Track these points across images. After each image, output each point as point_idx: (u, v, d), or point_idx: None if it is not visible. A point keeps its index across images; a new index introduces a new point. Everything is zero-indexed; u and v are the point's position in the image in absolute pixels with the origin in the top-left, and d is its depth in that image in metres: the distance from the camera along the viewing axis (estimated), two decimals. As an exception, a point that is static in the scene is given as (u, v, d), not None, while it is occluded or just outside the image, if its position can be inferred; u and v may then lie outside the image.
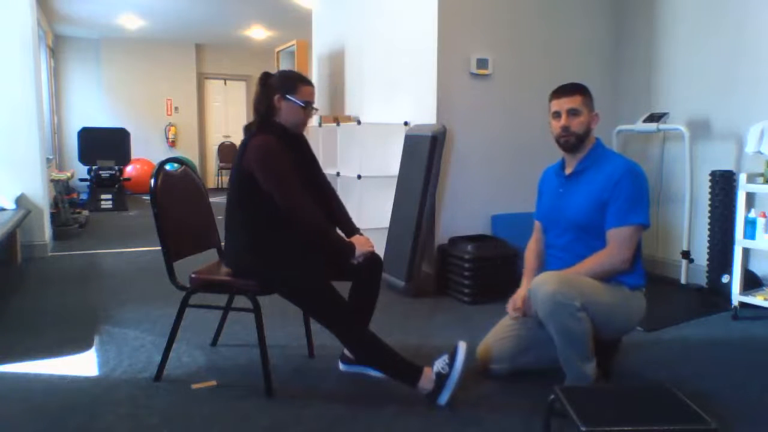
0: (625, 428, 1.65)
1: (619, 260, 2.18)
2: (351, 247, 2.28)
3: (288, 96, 2.28)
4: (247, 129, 2.34)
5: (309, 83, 2.35)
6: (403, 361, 2.20)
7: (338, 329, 2.23)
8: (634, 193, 2.19)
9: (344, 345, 2.36)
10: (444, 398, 2.13)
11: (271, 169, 2.20)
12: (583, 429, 1.60)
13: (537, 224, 2.57)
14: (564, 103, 2.27)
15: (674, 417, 1.73)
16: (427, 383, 2.16)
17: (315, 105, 2.39)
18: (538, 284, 2.09)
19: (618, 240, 2.18)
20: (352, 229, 2.46)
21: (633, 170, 2.22)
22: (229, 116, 11.31)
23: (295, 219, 2.23)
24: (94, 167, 8.07)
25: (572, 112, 2.26)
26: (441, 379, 2.14)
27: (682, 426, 1.70)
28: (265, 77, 2.35)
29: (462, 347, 2.16)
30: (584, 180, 2.30)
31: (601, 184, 2.23)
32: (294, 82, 2.31)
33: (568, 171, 2.36)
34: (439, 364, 2.17)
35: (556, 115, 2.29)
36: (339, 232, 2.42)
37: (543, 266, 2.44)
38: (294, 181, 2.22)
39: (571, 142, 2.28)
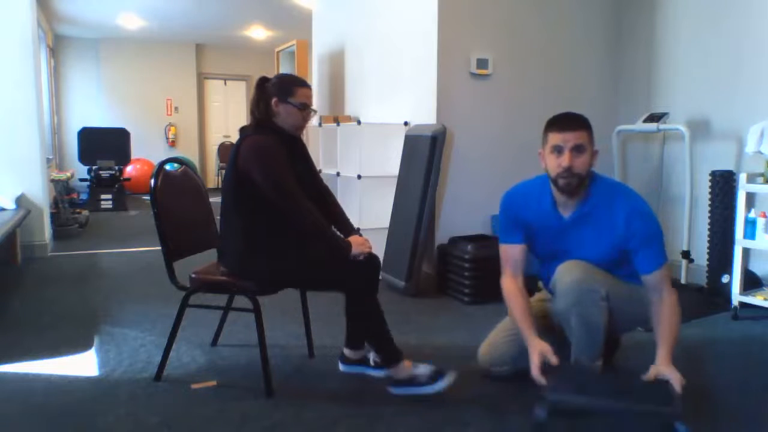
0: (584, 400, 1.77)
1: (677, 300, 2.08)
2: (348, 246, 2.28)
3: (285, 99, 2.29)
4: (243, 130, 2.34)
5: (306, 85, 2.35)
6: (392, 340, 2.25)
7: (350, 287, 2.25)
8: (656, 233, 2.08)
9: (352, 304, 2.30)
10: (399, 391, 2.21)
11: (267, 169, 2.20)
12: (549, 397, 1.67)
13: (510, 252, 2.26)
14: (569, 138, 2.01)
15: (642, 397, 1.77)
16: (400, 372, 2.21)
17: (313, 107, 2.39)
18: (562, 273, 2.05)
19: (665, 281, 2.08)
20: (349, 230, 2.45)
21: (645, 212, 2.10)
22: (229, 116, 11.31)
23: (292, 218, 2.23)
24: (94, 167, 8.07)
25: (578, 149, 2.01)
26: (412, 380, 2.20)
27: (645, 406, 1.75)
28: (262, 81, 2.36)
29: (450, 377, 2.21)
30: (592, 225, 2.12)
31: (617, 231, 2.08)
32: (291, 85, 2.32)
33: (566, 213, 2.15)
34: (424, 370, 2.22)
35: (557, 150, 2.03)
36: (336, 232, 2.42)
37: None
38: (290, 180, 2.23)
39: (573, 184, 2.04)
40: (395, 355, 2.24)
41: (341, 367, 2.49)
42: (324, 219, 2.32)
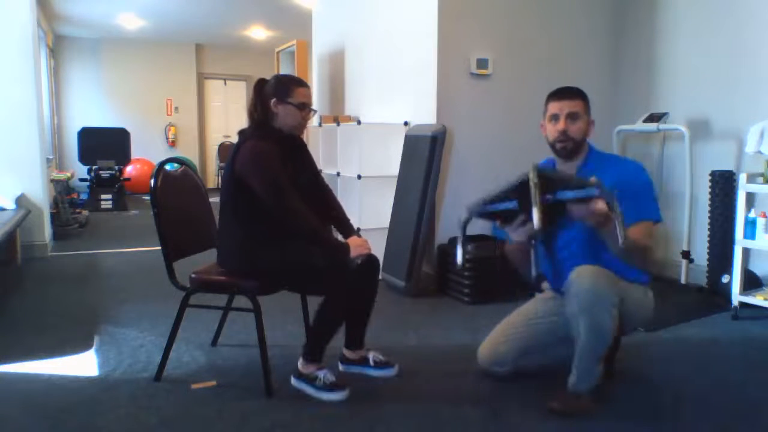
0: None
1: (651, 242, 2.12)
2: (346, 248, 2.27)
3: (284, 99, 2.29)
4: (242, 133, 2.34)
5: (304, 85, 2.35)
6: (325, 344, 2.29)
7: (349, 289, 2.27)
8: (640, 185, 2.16)
9: (328, 302, 2.26)
10: (297, 383, 2.29)
11: (263, 174, 2.20)
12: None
13: None
14: (565, 106, 2.20)
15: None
16: (308, 368, 2.27)
17: (312, 106, 2.39)
18: (576, 277, 2.05)
19: (644, 233, 2.10)
20: (349, 231, 2.46)
21: (632, 170, 2.21)
22: (229, 116, 11.31)
23: (287, 223, 2.23)
24: (94, 167, 8.08)
25: (572, 116, 2.19)
26: (313, 380, 2.23)
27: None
28: (260, 84, 2.36)
29: (344, 393, 2.22)
30: None
31: (612, 186, 2.14)
32: (288, 85, 2.32)
33: None
34: (327, 377, 2.23)
35: (554, 118, 2.22)
36: (336, 233, 2.42)
37: None
38: (286, 184, 2.22)
39: (569, 147, 2.21)
40: (317, 357, 2.28)
41: (341, 367, 2.49)
42: (321, 222, 2.31)
